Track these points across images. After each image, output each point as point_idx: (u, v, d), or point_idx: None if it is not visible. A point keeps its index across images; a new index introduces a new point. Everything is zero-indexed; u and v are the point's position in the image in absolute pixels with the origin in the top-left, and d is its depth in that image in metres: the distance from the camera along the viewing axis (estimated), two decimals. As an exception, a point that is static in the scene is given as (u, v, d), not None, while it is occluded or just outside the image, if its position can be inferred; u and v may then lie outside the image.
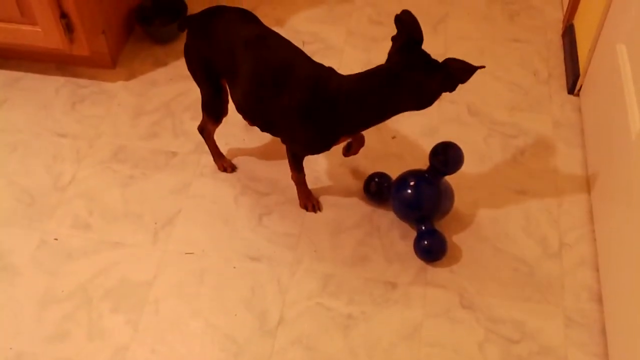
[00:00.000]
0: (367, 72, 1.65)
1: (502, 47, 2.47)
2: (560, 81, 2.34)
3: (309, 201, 2.00)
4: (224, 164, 2.09)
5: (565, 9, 2.50)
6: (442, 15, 2.58)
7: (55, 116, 2.25)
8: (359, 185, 2.02)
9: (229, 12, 1.85)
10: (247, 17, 1.86)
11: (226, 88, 1.89)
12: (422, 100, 1.62)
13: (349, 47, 2.46)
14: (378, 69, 1.64)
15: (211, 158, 2.09)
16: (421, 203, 1.88)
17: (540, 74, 2.36)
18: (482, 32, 2.53)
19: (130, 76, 2.37)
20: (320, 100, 1.69)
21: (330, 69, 1.73)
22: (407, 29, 1.59)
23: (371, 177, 1.98)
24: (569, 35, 2.41)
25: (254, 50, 1.77)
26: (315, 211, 1.99)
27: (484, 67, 1.55)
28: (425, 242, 1.85)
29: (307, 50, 2.42)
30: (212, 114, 1.95)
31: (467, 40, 2.49)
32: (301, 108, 1.71)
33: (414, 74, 1.58)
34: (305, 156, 1.91)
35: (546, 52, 2.45)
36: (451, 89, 1.59)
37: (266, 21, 2.53)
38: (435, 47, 2.43)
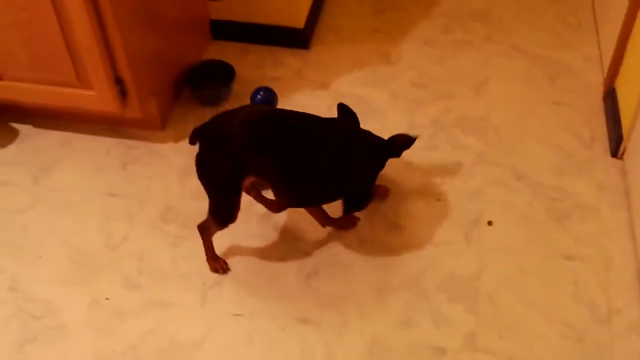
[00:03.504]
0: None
1: (544, 110, 2.49)
2: (603, 144, 2.35)
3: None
4: (217, 265, 2.03)
5: (605, 72, 2.52)
6: (484, 78, 2.61)
7: (107, 176, 2.31)
8: (403, 242, 2.04)
9: (234, 111, 1.91)
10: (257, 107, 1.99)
11: (241, 192, 1.89)
12: None
13: (392, 109, 2.51)
14: None
15: (256, 218, 2.13)
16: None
17: (583, 137, 2.38)
18: (524, 95, 2.56)
19: (179, 137, 2.43)
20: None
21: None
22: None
23: None
24: (610, 98, 2.42)
25: (293, 138, 1.83)
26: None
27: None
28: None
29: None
30: (222, 218, 1.92)
31: (508, 103, 2.52)
32: (374, 167, 1.97)
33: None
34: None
35: (588, 115, 2.46)
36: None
37: (311, 85, 2.61)
38: (478, 109, 2.47)
